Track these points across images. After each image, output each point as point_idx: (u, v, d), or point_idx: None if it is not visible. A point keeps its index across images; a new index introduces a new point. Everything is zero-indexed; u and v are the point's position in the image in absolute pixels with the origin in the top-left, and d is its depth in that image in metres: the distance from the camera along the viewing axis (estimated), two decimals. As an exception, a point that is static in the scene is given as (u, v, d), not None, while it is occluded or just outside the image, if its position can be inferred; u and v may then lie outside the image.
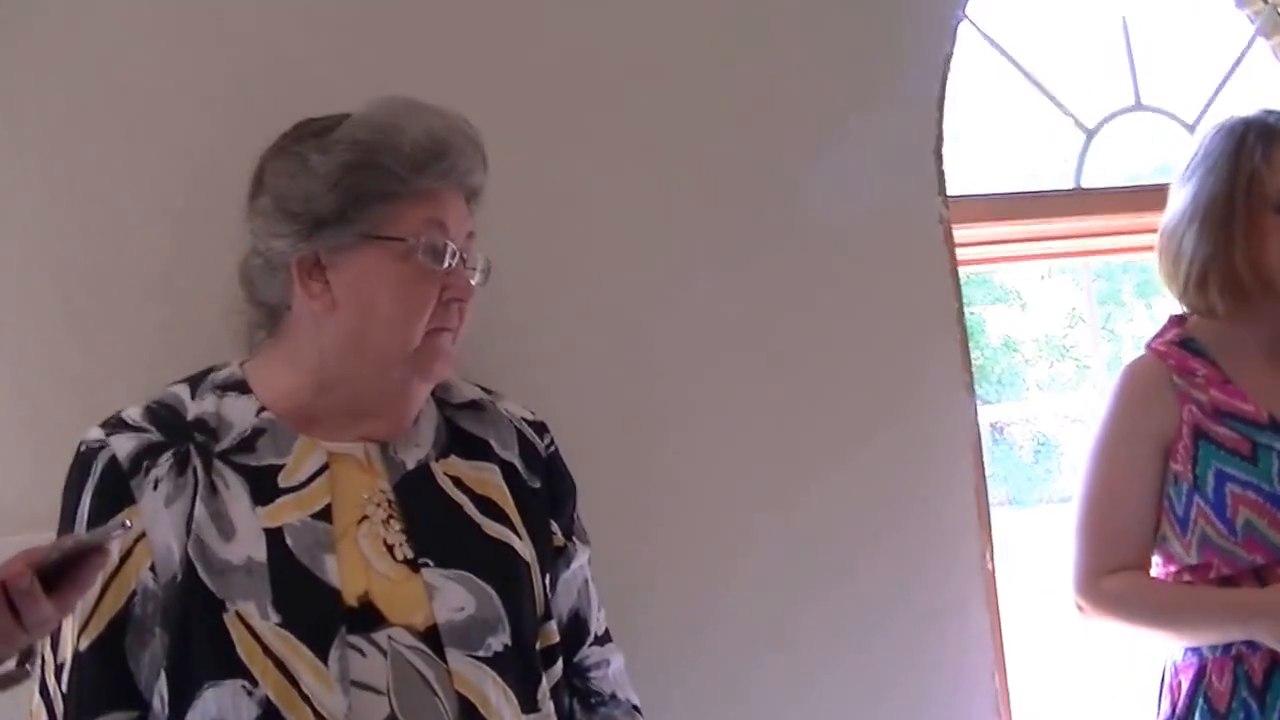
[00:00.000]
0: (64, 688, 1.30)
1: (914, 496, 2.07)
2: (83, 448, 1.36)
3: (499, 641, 1.37)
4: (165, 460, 1.33)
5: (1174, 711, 1.87)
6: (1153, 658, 1.95)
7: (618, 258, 1.92)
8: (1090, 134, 2.58)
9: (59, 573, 1.13)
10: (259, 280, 1.42)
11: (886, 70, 2.11)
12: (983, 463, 2.12)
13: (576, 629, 1.53)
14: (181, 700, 1.28)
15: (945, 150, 2.13)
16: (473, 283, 1.42)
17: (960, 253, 2.29)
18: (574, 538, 1.55)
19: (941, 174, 2.13)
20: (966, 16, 2.28)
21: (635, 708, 1.58)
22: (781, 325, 2.02)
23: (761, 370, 2.01)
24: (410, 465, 1.43)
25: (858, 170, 1.96)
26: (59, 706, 1.31)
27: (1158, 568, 1.90)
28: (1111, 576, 1.85)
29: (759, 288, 2.01)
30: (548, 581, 1.49)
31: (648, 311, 1.82)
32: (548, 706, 1.43)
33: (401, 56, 1.81)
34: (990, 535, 2.11)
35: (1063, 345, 9.89)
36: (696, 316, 1.97)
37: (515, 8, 1.92)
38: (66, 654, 1.30)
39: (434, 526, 1.40)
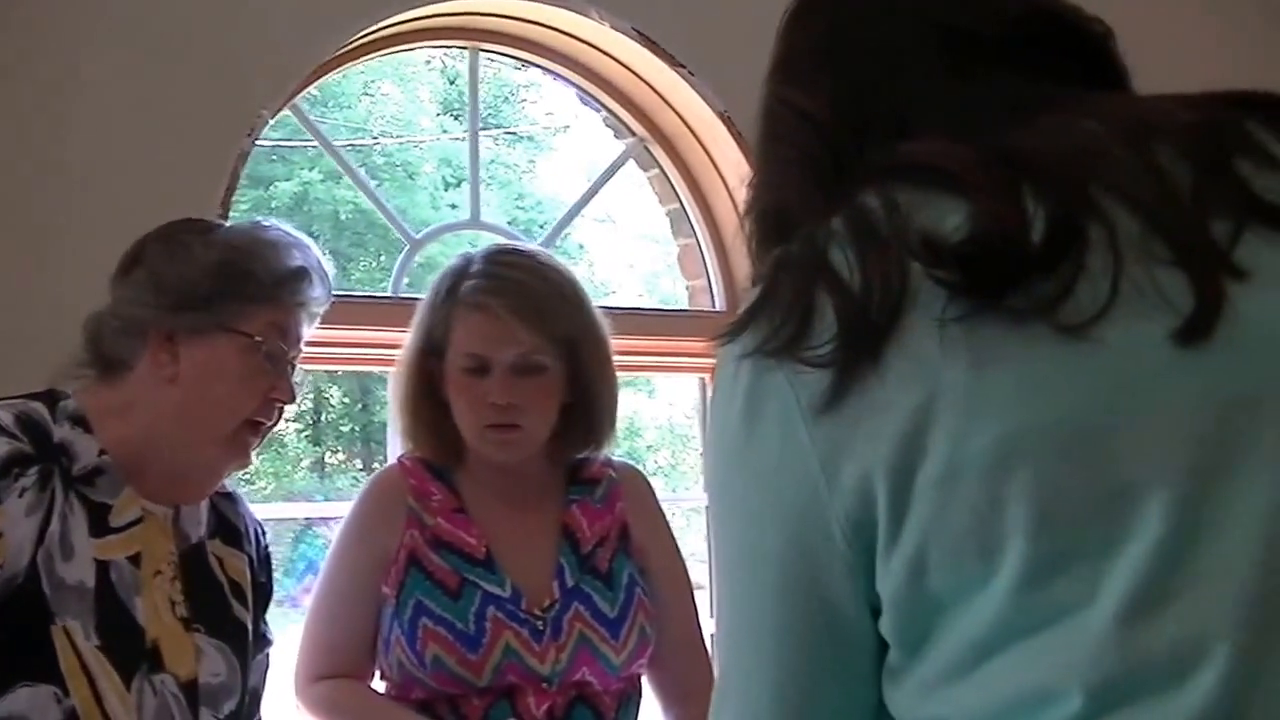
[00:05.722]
0: None
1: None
2: None
3: (229, 706, 1.58)
4: (33, 473, 1.44)
5: None
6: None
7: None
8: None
9: None
10: (109, 338, 1.54)
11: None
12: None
13: (252, 706, 1.68)
14: None
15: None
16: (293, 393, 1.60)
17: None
18: (266, 629, 1.71)
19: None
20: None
21: None
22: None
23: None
24: (193, 539, 1.60)
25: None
26: None
27: (378, 680, 1.86)
28: (327, 682, 1.83)
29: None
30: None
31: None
32: None
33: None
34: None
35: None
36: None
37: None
38: None
39: (204, 598, 1.58)
